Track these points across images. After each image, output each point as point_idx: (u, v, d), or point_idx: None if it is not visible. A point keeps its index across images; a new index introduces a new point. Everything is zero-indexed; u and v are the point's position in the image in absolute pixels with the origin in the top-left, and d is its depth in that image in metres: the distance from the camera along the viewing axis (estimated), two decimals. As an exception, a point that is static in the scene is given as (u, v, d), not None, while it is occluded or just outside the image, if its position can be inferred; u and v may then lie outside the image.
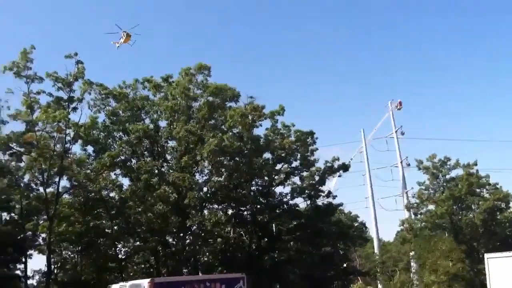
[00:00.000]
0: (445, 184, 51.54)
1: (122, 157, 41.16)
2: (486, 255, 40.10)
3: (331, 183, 69.13)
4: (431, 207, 52.45)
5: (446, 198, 49.56)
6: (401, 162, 71.27)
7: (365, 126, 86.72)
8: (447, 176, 51.64)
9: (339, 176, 48.61)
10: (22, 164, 37.76)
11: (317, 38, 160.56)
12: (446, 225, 51.23)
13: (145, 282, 28.01)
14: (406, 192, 68.28)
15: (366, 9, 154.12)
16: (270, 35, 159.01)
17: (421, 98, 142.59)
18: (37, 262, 42.17)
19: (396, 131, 72.47)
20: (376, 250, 69.45)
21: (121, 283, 30.22)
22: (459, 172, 51.20)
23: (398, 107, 72.06)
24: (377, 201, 72.04)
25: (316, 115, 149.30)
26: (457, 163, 51.18)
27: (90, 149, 41.39)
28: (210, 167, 39.97)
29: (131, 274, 43.75)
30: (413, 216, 55.33)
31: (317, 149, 45.85)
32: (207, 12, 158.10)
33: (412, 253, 58.42)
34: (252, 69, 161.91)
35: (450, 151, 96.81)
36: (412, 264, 60.37)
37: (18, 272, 41.02)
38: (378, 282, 64.30)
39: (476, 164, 50.62)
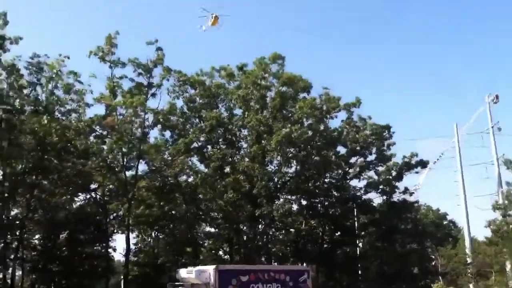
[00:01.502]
0: (536, 184, 49.22)
1: (198, 144, 43.10)
2: None
3: (420, 178, 68.07)
4: (521, 208, 50.31)
5: (537, 199, 47.41)
6: (497, 159, 68.37)
7: (458, 120, 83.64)
8: (540, 177, 49.27)
9: (416, 172, 47.99)
10: (105, 147, 40.41)
11: (405, 26, 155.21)
12: (536, 228, 48.93)
13: (210, 268, 29.57)
14: (502, 191, 65.46)
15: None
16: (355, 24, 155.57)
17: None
18: (115, 243, 44.97)
19: (492, 127, 69.56)
20: (467, 250, 67.35)
21: (189, 268, 32.06)
22: (553, 172, 48.66)
23: (495, 100, 68.89)
24: (470, 199, 69.41)
25: (408, 108, 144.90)
26: (548, 162, 48.64)
27: (167, 134, 43.72)
28: (279, 157, 40.99)
29: (208, 259, 45.79)
30: (500, 218, 53.19)
31: (394, 143, 46.13)
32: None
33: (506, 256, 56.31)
34: (337, 60, 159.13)
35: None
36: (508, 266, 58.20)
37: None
38: (470, 283, 62.31)
39: None
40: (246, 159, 42.09)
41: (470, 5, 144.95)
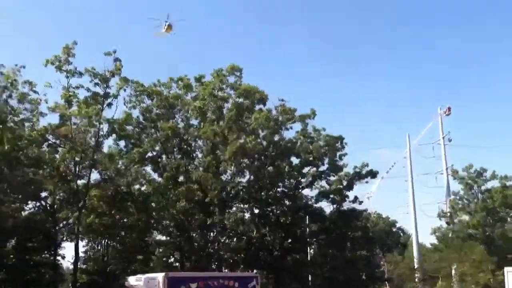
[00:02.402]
0: (479, 195, 53.21)
1: (153, 153, 44.53)
2: (506, 269, 42.24)
3: (372, 187, 71.54)
4: (465, 217, 54.26)
5: (480, 209, 51.28)
6: (446, 170, 72.38)
7: (411, 131, 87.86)
8: (482, 187, 53.24)
9: (366, 182, 51.01)
10: (57, 156, 41.27)
11: (357, 37, 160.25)
12: (478, 236, 52.84)
13: (159, 276, 31.22)
14: (450, 200, 69.46)
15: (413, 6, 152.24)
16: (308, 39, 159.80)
17: (472, 104, 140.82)
18: (65, 251, 45.93)
19: (443, 138, 73.61)
20: (415, 256, 71.11)
21: (138, 276, 33.51)
22: (495, 183, 52.70)
23: (447, 112, 73.00)
24: (420, 207, 73.25)
25: (363, 119, 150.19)
26: (493, 174, 52.69)
27: (122, 143, 44.66)
28: (233, 167, 42.95)
29: (158, 266, 47.20)
30: (445, 225, 57.07)
31: (346, 154, 48.40)
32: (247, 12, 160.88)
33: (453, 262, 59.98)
34: (296, 72, 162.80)
35: (500, 160, 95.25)
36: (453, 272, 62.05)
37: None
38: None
39: (514, 177, 51.96)
40: (200, 169, 43.72)
41: (422, 16, 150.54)
